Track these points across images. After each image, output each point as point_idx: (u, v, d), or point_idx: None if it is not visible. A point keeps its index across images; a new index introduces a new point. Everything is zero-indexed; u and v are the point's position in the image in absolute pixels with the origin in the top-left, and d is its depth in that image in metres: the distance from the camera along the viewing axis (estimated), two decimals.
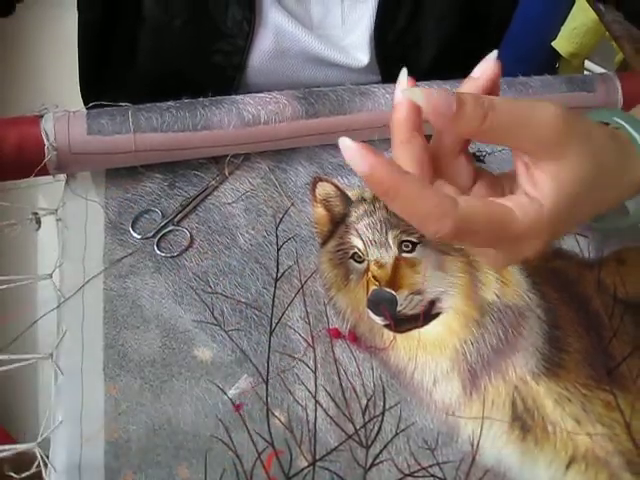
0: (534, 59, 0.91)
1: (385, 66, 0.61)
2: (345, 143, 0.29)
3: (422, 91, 0.29)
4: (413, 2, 0.59)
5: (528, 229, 0.32)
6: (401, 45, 0.61)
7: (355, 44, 0.60)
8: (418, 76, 0.55)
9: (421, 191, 0.29)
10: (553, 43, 0.94)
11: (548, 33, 0.92)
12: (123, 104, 0.50)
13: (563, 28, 0.91)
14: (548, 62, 0.96)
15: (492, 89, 0.34)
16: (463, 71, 0.57)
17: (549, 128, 0.31)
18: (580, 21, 0.90)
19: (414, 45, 0.62)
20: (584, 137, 0.33)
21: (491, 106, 0.30)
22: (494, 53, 0.34)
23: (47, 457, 0.39)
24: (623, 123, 0.38)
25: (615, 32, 0.61)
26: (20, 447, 0.38)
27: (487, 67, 0.34)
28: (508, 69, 0.60)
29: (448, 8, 0.60)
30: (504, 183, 0.36)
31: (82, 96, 0.65)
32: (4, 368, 0.41)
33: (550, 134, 0.31)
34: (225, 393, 0.42)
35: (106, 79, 0.63)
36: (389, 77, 0.60)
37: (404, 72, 0.34)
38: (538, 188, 0.32)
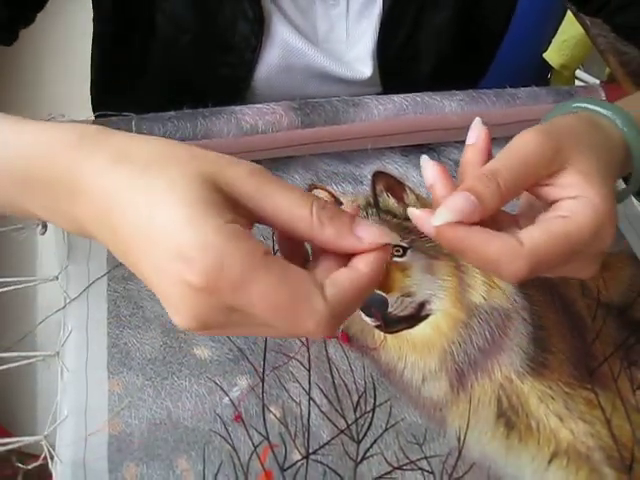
0: (526, 70, 0.93)
1: (386, 78, 0.64)
2: (413, 213, 0.34)
3: (446, 212, 0.32)
4: (413, 19, 0.61)
5: (594, 224, 0.33)
6: (401, 59, 0.63)
7: (358, 58, 0.63)
8: (417, 87, 0.58)
9: (485, 240, 0.33)
10: (544, 55, 0.96)
11: (540, 45, 0.95)
12: (127, 114, 0.52)
13: (554, 40, 0.94)
14: (540, 73, 0.99)
15: (488, 147, 0.37)
16: (460, 81, 0.60)
17: (545, 153, 0.34)
18: (570, 34, 0.93)
19: (413, 58, 0.64)
20: (572, 132, 0.36)
21: (495, 174, 0.33)
22: (477, 120, 0.37)
23: (53, 450, 0.41)
24: (586, 105, 0.40)
25: (600, 45, 0.63)
26: (28, 439, 0.40)
27: (479, 132, 0.37)
28: (501, 80, 0.63)
29: (444, 24, 0.63)
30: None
31: (92, 103, 0.67)
32: (10, 365, 0.43)
33: (549, 156, 0.34)
34: (223, 389, 0.44)
35: (118, 88, 0.65)
36: (390, 88, 0.62)
37: (425, 158, 0.36)
38: (573, 187, 0.34)
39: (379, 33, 0.60)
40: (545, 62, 0.97)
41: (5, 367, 0.42)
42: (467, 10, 0.63)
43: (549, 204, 0.36)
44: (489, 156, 0.36)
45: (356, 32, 0.62)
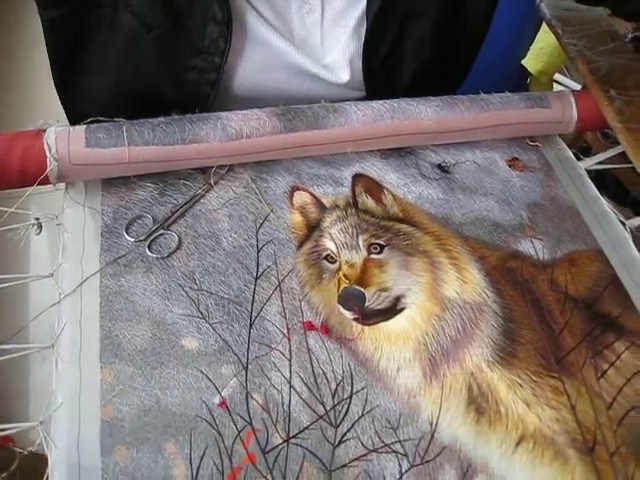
0: (506, 77, 0.96)
1: (370, 84, 0.67)
2: None
3: None
4: (397, 28, 0.64)
5: None
6: (385, 67, 0.66)
7: (335, 63, 0.65)
8: (400, 92, 0.61)
9: None
10: (522, 61, 1.00)
11: (518, 53, 0.98)
12: (118, 120, 0.55)
13: (531, 48, 0.97)
14: (519, 79, 1.02)
15: None
16: (441, 87, 0.63)
17: None
18: (547, 41, 0.96)
19: (396, 66, 0.67)
20: None
21: None
22: None
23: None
24: None
25: (571, 53, 0.66)
26: (24, 425, 0.43)
27: None
28: (482, 85, 0.66)
29: (426, 35, 0.66)
30: None
31: (60, 101, 0.65)
32: (6, 357, 0.45)
33: None
34: (209, 378, 0.46)
35: (80, 88, 0.63)
36: (374, 93, 0.65)
37: None
38: None
39: (364, 45, 0.63)
40: (523, 68, 1.01)
41: (2, 358, 0.45)
42: (448, 18, 0.66)
43: None
44: None
45: (329, 40, 0.64)
